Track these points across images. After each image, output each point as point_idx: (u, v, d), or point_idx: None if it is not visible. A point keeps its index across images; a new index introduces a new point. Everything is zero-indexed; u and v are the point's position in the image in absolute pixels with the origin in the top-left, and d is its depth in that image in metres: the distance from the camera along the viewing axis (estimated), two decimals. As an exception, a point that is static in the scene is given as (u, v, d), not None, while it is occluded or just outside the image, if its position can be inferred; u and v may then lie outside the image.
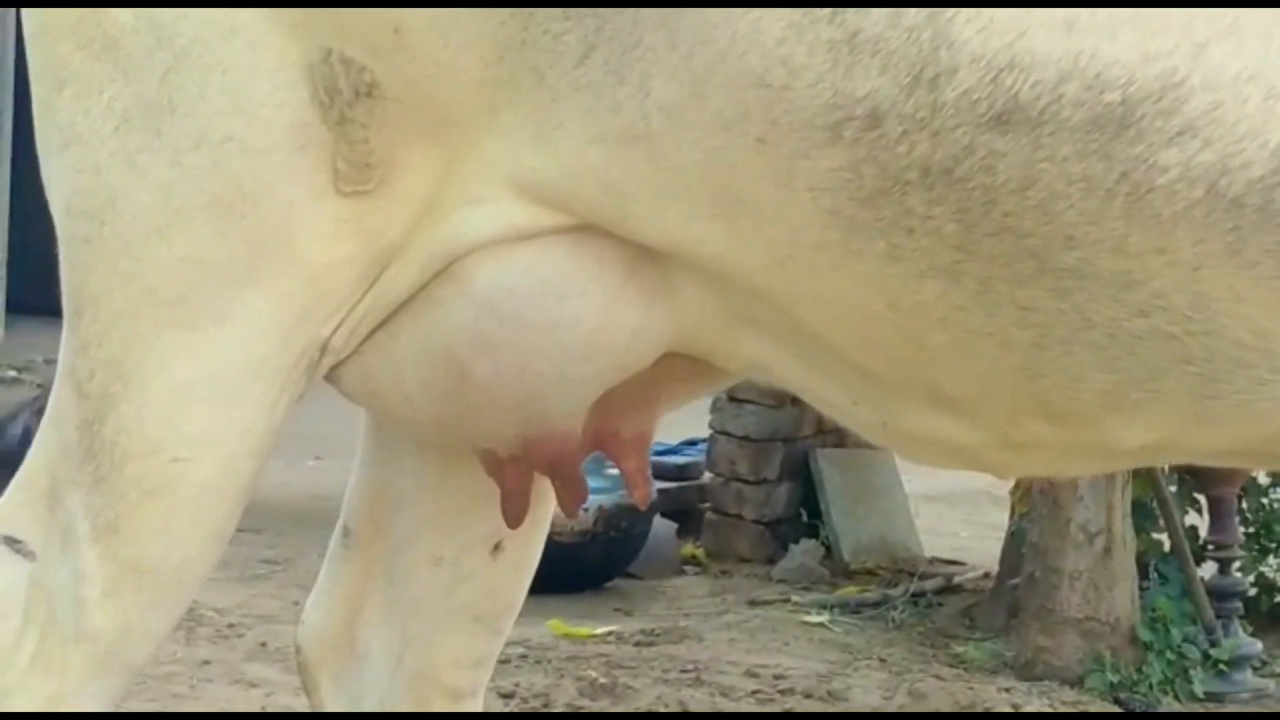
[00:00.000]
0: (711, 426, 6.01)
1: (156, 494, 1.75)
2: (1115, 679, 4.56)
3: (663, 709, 4.21)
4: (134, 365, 1.75)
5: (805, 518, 5.97)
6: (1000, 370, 1.72)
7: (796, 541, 5.85)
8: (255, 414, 1.77)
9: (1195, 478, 5.04)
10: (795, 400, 5.87)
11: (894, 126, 1.64)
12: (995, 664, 4.74)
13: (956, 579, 5.69)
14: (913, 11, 1.63)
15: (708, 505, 6.02)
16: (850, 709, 4.35)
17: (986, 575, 5.55)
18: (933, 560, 5.90)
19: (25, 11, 1.85)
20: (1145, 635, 4.64)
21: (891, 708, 4.33)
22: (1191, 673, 4.58)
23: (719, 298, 1.79)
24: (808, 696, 4.40)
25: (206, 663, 4.39)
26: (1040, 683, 4.59)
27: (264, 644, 4.55)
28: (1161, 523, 4.91)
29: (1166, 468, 4.84)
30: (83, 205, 1.78)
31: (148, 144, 1.75)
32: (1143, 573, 4.83)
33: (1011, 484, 5.09)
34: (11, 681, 1.78)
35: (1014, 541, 5.13)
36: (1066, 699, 4.45)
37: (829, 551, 5.83)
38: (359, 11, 1.73)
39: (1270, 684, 4.59)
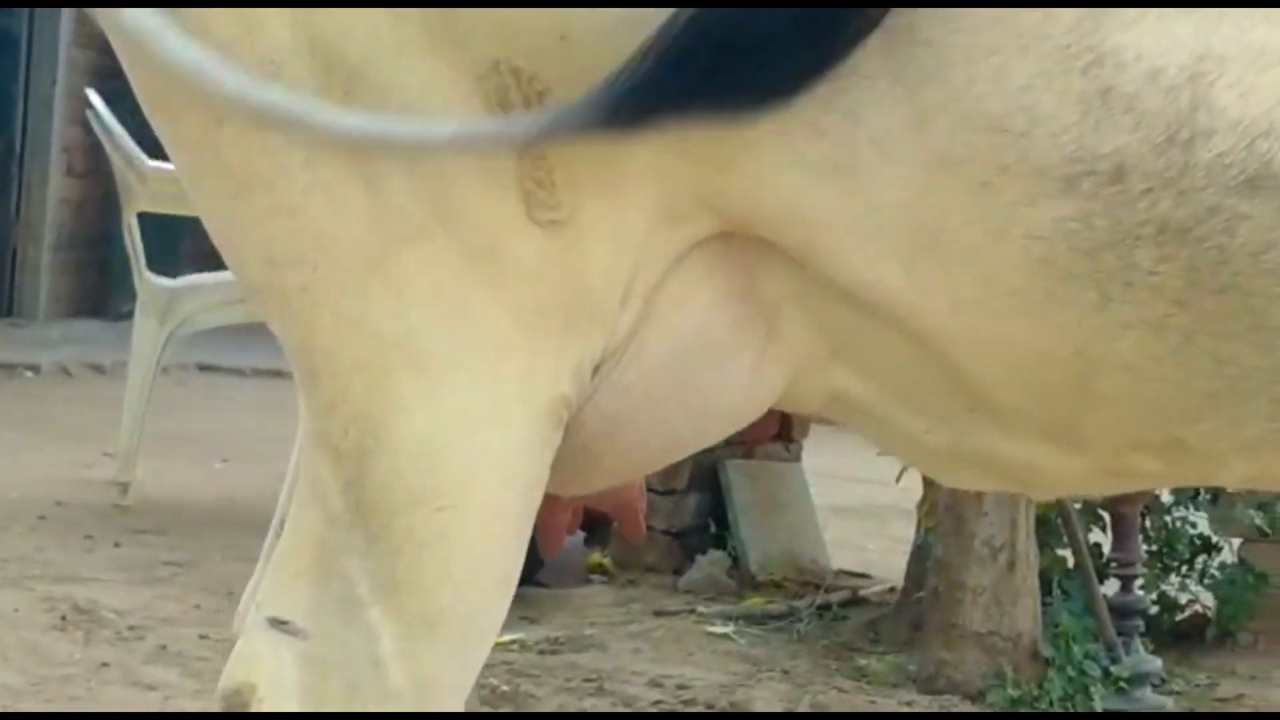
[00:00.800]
0: (620, 436, 5.99)
1: (431, 544, 1.68)
2: (1016, 694, 4.58)
3: None
4: (379, 416, 1.66)
5: (713, 529, 5.97)
6: (1155, 413, 1.73)
7: (704, 552, 5.85)
8: (514, 455, 1.70)
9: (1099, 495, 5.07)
10: (705, 411, 5.90)
11: (1137, 183, 1.63)
12: (898, 677, 4.76)
13: (862, 592, 5.70)
14: (1172, 71, 1.62)
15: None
16: (751, 723, 4.35)
17: (892, 589, 5.57)
18: (839, 573, 5.90)
19: (145, 39, 1.65)
20: (1047, 651, 4.66)
21: (793, 722, 4.34)
22: (1092, 689, 4.60)
23: (823, 337, 1.77)
24: (710, 708, 4.41)
25: (105, 665, 4.34)
26: (941, 696, 4.61)
27: (164, 647, 4.50)
28: (1065, 539, 4.94)
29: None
30: (287, 253, 1.66)
31: (341, 174, 1.64)
32: (1046, 589, 4.86)
33: (919, 498, 5.10)
34: None
35: (919, 556, 5.15)
36: (965, 711, 4.48)
37: (736, 563, 5.83)
38: (521, 17, 1.63)
39: (1169, 701, 4.63)
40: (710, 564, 5.78)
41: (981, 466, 1.84)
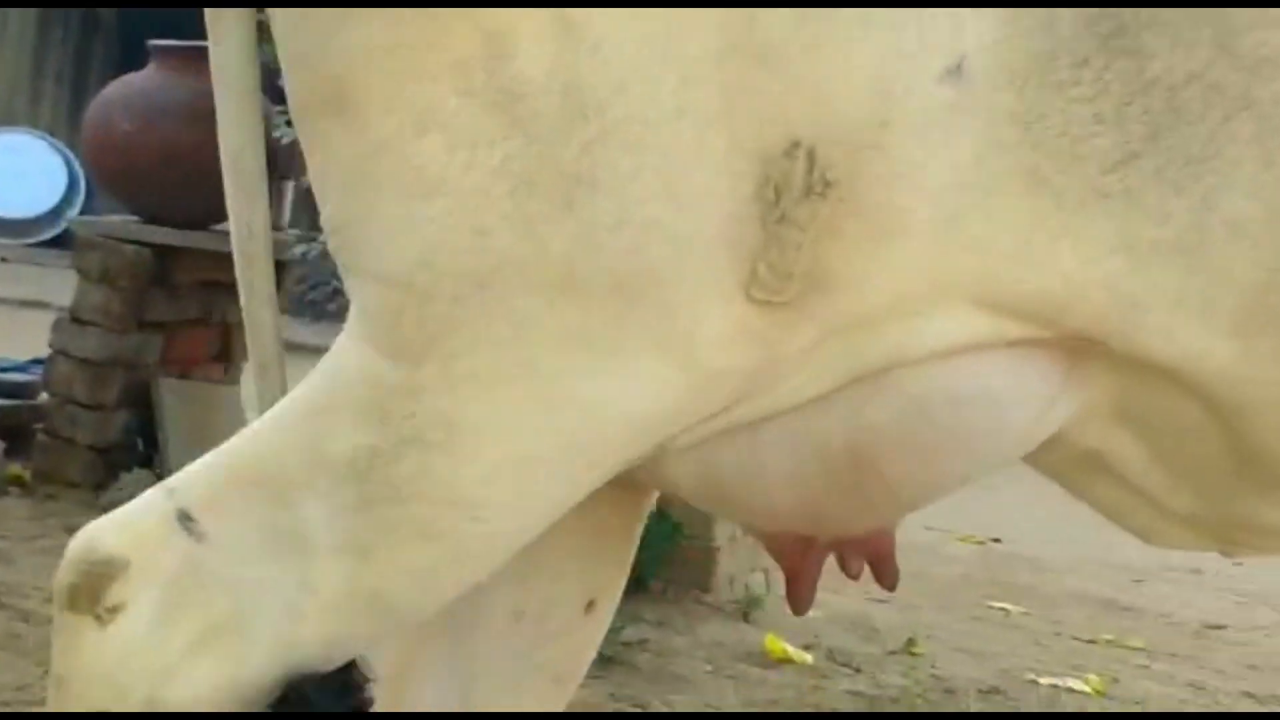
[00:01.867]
0: (51, 346, 5.79)
1: (432, 540, 1.68)
2: None
3: None
4: (471, 424, 1.66)
5: (141, 447, 5.82)
6: None
7: (129, 470, 5.71)
8: (568, 493, 1.71)
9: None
10: (142, 325, 5.74)
11: None
12: None
13: None
14: None
15: (40, 426, 5.80)
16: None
17: None
18: None
19: (363, 32, 1.63)
20: None
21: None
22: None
23: (1116, 399, 1.76)
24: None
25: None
26: None
27: None
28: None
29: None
30: (456, 264, 1.64)
31: (552, 214, 1.62)
32: None
33: None
34: (161, 663, 1.69)
35: None
36: None
37: (160, 481, 5.69)
38: (845, 95, 1.59)
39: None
40: (134, 482, 5.62)
41: (1227, 530, 1.85)
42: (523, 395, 1.66)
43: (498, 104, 1.62)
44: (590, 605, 1.99)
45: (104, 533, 1.72)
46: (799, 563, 1.97)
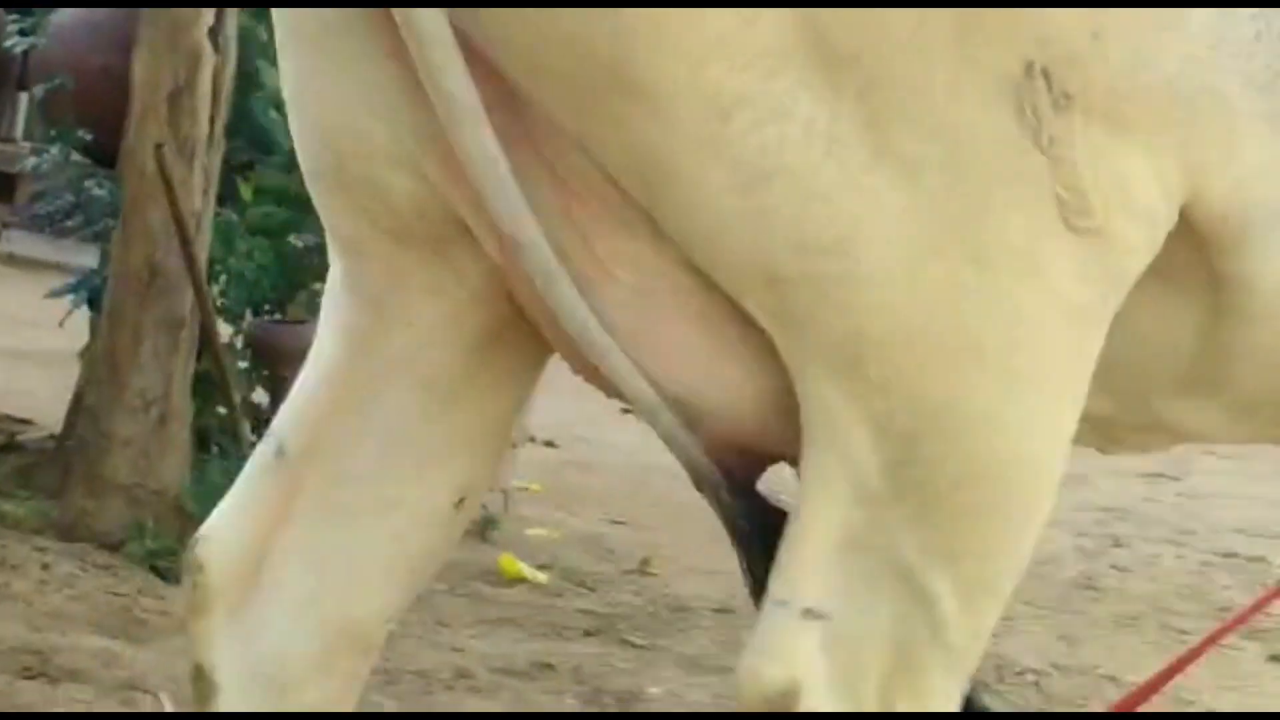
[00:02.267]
0: None
1: (988, 515, 1.75)
2: (155, 546, 4.60)
3: None
4: (935, 397, 1.70)
5: None
6: None
7: None
8: (1056, 436, 1.76)
9: (266, 356, 5.18)
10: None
11: None
12: (39, 523, 4.72)
13: (20, 437, 5.29)
14: None
15: None
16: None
17: (51, 436, 5.18)
18: (3, 418, 5.21)
19: (617, 34, 1.63)
20: (191, 506, 4.60)
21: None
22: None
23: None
24: None
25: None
26: (78, 544, 4.58)
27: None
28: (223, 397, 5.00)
29: (240, 343, 5.34)
30: (823, 240, 1.66)
31: (871, 164, 1.65)
32: (205, 446, 4.94)
33: (83, 345, 5.11)
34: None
35: (77, 404, 5.07)
36: (100, 561, 4.52)
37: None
38: (1064, 16, 1.66)
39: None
40: None
41: (1122, 431, 2.04)
42: (958, 358, 1.69)
43: (774, 72, 1.62)
44: (460, 503, 1.97)
45: (760, 663, 1.75)
46: None
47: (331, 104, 1.82)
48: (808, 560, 1.74)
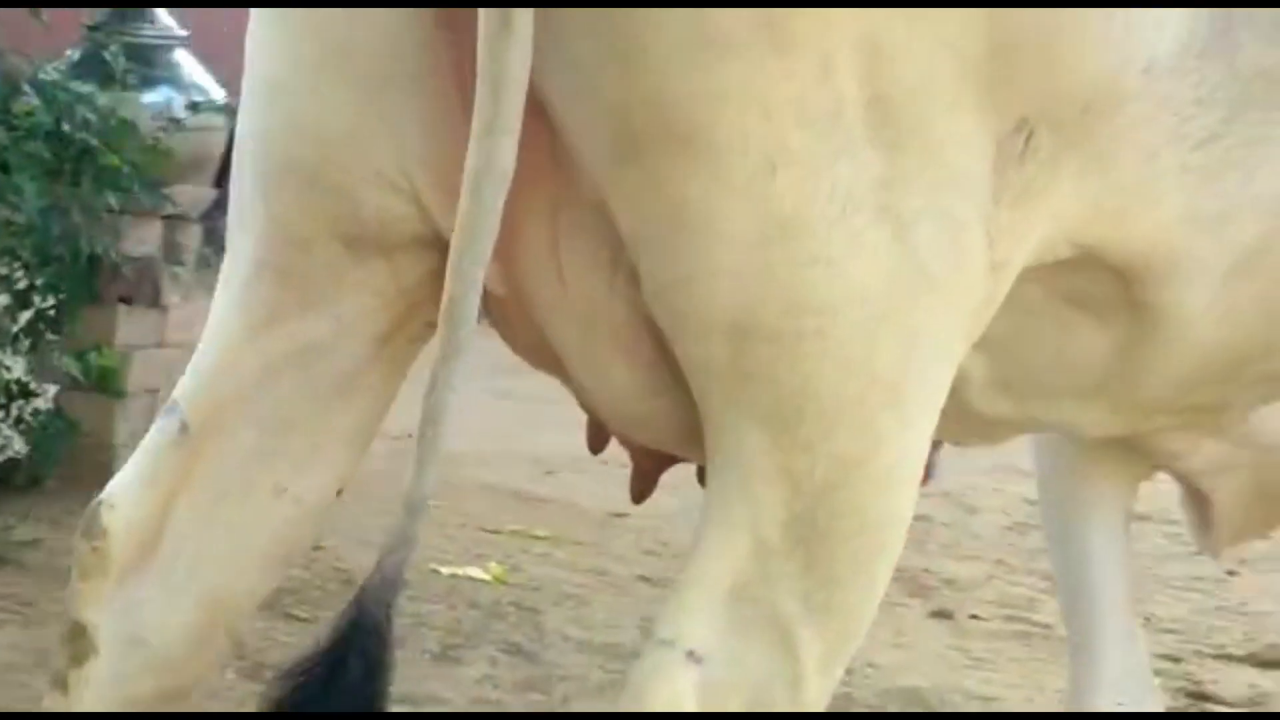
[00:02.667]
0: None
1: (864, 566, 1.78)
2: None
3: None
4: (857, 453, 1.74)
5: None
6: None
7: None
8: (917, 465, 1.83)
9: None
10: None
11: None
12: None
13: None
14: None
15: None
16: None
17: None
18: None
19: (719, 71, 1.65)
20: None
21: None
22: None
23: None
24: None
25: None
26: None
27: None
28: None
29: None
30: (812, 300, 1.69)
31: (872, 222, 1.69)
32: None
33: None
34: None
35: None
36: None
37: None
38: (1065, 77, 1.74)
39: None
40: None
41: (995, 428, 2.15)
42: (880, 408, 1.73)
43: (829, 129, 1.66)
44: (339, 492, 1.99)
45: (636, 695, 1.78)
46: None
47: (332, 110, 1.83)
48: (698, 605, 1.78)
